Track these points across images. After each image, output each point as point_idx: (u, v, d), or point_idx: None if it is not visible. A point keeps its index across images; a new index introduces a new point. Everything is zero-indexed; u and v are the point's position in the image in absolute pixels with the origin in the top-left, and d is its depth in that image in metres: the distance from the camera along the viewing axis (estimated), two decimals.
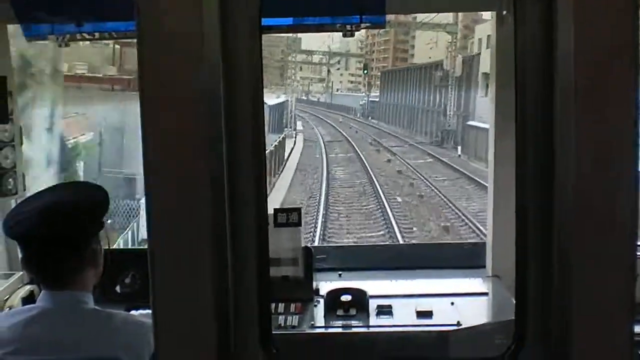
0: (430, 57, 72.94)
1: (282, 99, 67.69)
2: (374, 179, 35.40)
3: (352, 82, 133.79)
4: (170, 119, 2.75)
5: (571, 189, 2.77)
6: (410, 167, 40.79)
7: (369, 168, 39.26)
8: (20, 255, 5.06)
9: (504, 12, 4.94)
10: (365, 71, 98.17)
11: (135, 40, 2.74)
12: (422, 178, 36.69)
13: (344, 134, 60.30)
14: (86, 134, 28.57)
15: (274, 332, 3.10)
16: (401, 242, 21.72)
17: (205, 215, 2.79)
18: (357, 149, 48.33)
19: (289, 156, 45.19)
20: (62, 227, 3.36)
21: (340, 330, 4.68)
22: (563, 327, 2.88)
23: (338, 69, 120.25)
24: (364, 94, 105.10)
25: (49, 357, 3.28)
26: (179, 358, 2.87)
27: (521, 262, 3.01)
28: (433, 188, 33.72)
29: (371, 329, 4.67)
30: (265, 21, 3.04)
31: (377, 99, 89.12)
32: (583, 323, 2.84)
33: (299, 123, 71.35)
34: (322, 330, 4.67)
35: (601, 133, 2.71)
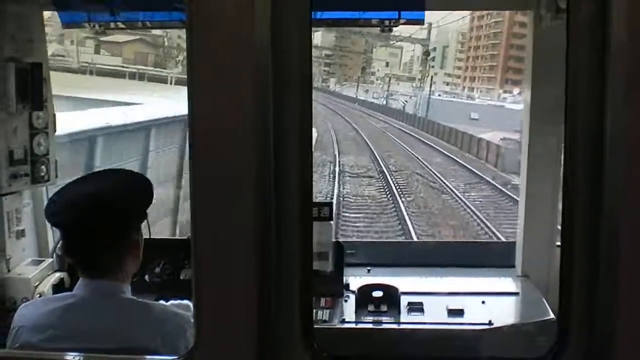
0: None
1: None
2: None
3: (448, 83, 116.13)
4: (218, 106, 2.74)
5: (621, 189, 2.74)
6: None
7: None
8: (55, 245, 5.10)
9: (542, 12, 4.90)
10: (430, 56, 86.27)
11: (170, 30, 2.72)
12: None
13: None
14: None
15: None
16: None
17: (250, 206, 2.77)
18: None
19: None
20: (104, 216, 3.33)
21: (371, 325, 4.67)
22: (607, 328, 2.84)
23: (432, 66, 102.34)
24: (477, 97, 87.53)
25: (86, 344, 3.26)
26: (220, 350, 2.86)
27: (566, 263, 2.97)
28: None
29: (404, 326, 4.65)
30: None
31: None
32: (627, 325, 2.80)
33: None
34: (355, 325, 4.66)
35: None
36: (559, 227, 5.30)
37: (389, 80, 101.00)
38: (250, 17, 2.70)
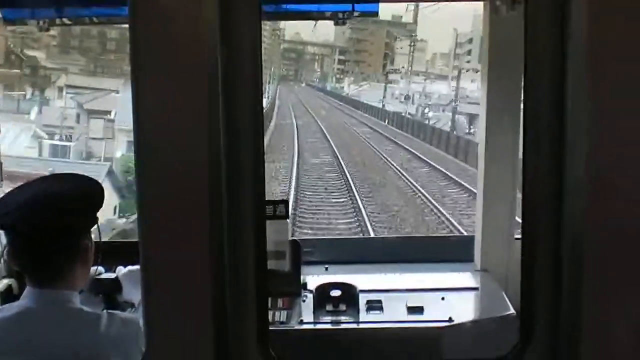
0: None
1: None
2: None
3: None
4: (165, 105, 2.63)
5: (583, 183, 2.69)
6: None
7: None
8: (5, 247, 4.93)
9: (498, 3, 4.85)
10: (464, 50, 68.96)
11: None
12: None
13: None
14: None
15: None
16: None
17: (202, 207, 2.67)
18: None
19: None
20: (51, 220, 3.21)
21: (330, 326, 4.58)
22: (571, 323, 2.80)
23: (468, 61, 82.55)
24: None
25: (34, 357, 3.13)
26: (174, 356, 2.75)
27: (528, 258, 2.92)
28: None
29: (363, 325, 4.58)
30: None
31: None
32: (592, 319, 2.76)
33: None
34: (313, 325, 4.57)
35: (616, 125, 2.63)
36: (518, 220, 5.30)
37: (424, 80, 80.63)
38: (198, 10, 2.59)
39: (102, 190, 3.44)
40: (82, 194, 3.36)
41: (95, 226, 3.47)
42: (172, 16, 2.58)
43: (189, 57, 2.59)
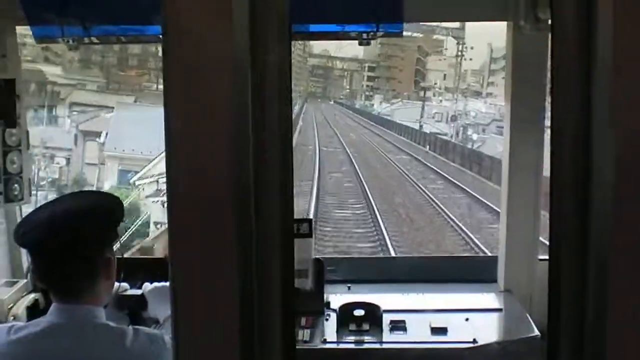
0: None
1: None
2: None
3: None
4: (195, 124, 2.67)
5: (610, 203, 2.69)
6: None
7: None
8: (29, 265, 5.00)
9: (521, 22, 4.88)
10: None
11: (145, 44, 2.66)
12: None
13: None
14: None
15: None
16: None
17: (229, 223, 2.70)
18: None
19: None
20: (74, 236, 3.26)
21: (354, 346, 4.59)
22: (597, 347, 2.79)
23: (503, 77, 75.39)
24: None
25: None
26: None
27: (554, 280, 2.92)
28: None
29: (387, 345, 4.58)
30: None
31: None
32: (618, 344, 2.75)
33: None
34: (337, 345, 4.57)
35: None
36: (542, 240, 5.29)
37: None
38: (228, 31, 2.63)
39: (121, 205, 3.53)
40: (101, 210, 3.43)
41: (118, 241, 3.53)
42: (204, 35, 2.62)
43: (220, 76, 2.63)
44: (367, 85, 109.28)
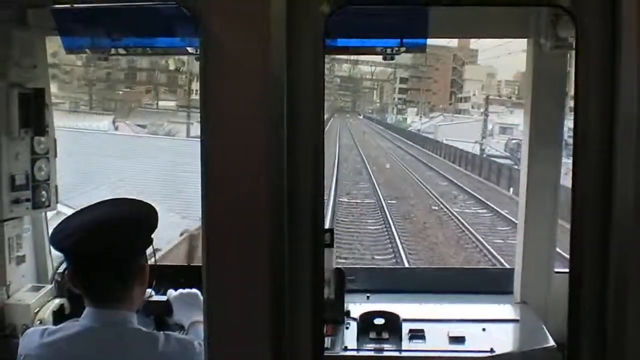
0: None
1: None
2: None
3: None
4: (231, 135, 2.76)
5: (630, 216, 2.77)
6: None
7: None
8: (54, 270, 5.08)
9: (542, 40, 4.96)
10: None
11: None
12: None
13: None
14: None
15: None
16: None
17: (263, 233, 2.79)
18: None
19: None
20: (109, 242, 3.36)
21: (374, 353, 4.67)
22: (619, 357, 2.86)
23: None
24: None
25: None
26: None
27: (574, 292, 2.99)
28: None
29: (406, 353, 4.65)
30: None
31: None
32: (637, 353, 2.82)
33: None
34: (357, 352, 4.65)
35: None
36: (558, 252, 5.36)
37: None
38: (266, 46, 2.72)
39: (156, 213, 3.58)
40: (138, 217, 3.52)
41: (150, 249, 3.62)
42: (241, 53, 2.71)
43: (257, 93, 2.72)
44: (399, 98, 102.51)
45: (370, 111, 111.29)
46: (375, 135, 68.97)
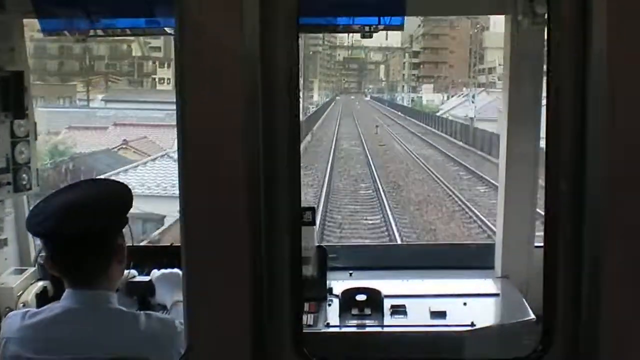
0: None
1: None
2: None
3: None
4: (207, 113, 2.78)
5: (604, 190, 2.81)
6: None
7: None
8: (37, 253, 5.09)
9: (520, 17, 4.98)
10: None
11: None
12: None
13: None
14: None
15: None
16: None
17: (240, 211, 2.81)
18: None
19: None
20: (86, 223, 3.37)
21: (356, 329, 4.71)
22: (591, 328, 2.91)
23: None
24: None
25: (73, 356, 3.29)
26: (212, 357, 2.88)
27: (550, 264, 3.03)
28: None
29: (388, 329, 4.70)
30: None
31: None
32: (611, 325, 2.87)
33: None
34: (340, 329, 4.69)
35: (636, 135, 2.74)
36: (538, 226, 5.40)
37: None
38: (238, 24, 2.74)
39: (130, 192, 3.61)
40: (113, 197, 3.55)
41: (128, 228, 3.64)
42: (215, 29, 2.72)
43: (231, 68, 2.74)
44: (411, 75, 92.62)
45: (378, 90, 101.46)
46: (393, 128, 51.31)
